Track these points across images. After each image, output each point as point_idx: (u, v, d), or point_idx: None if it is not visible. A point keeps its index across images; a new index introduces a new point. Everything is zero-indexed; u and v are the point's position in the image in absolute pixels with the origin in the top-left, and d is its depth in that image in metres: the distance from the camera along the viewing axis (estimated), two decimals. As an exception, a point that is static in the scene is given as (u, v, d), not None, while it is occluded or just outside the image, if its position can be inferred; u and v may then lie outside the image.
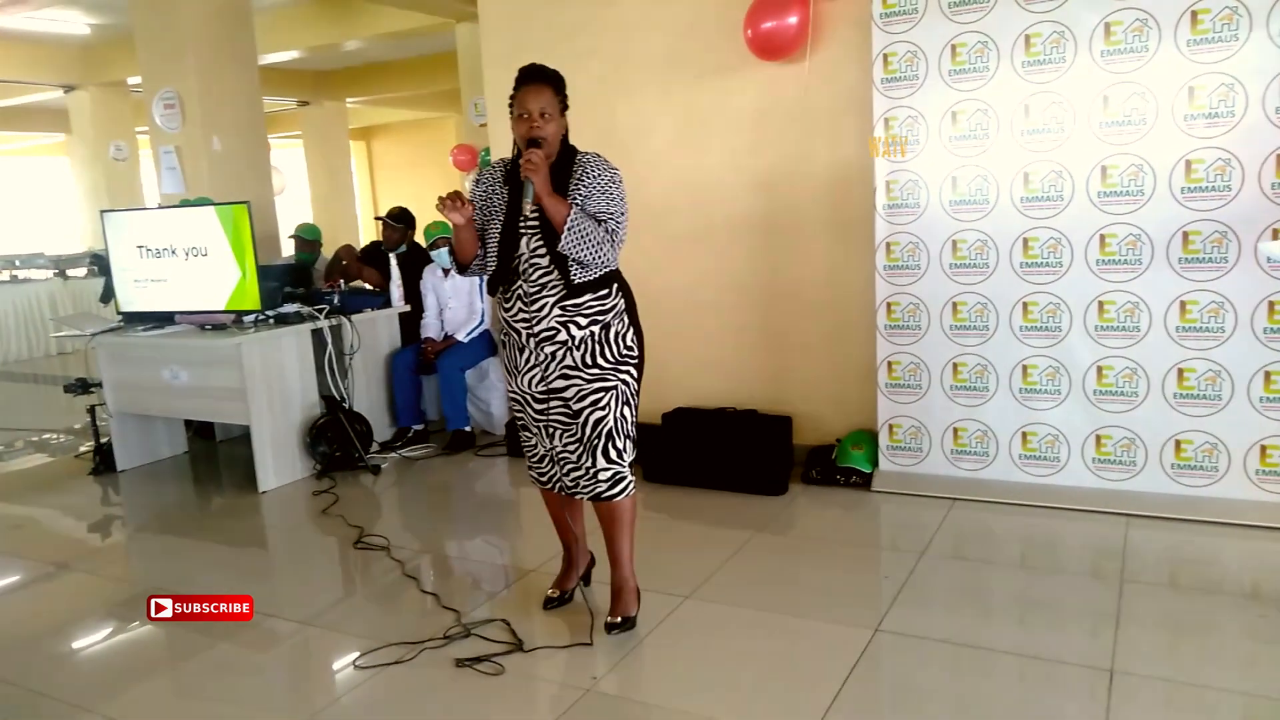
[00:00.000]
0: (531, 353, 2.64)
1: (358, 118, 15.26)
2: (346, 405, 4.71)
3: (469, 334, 5.08)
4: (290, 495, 4.38)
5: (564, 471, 2.75)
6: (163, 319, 4.72)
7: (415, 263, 5.41)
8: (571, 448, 2.69)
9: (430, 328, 5.19)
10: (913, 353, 3.79)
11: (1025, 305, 3.57)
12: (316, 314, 4.64)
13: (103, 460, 4.92)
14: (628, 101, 4.49)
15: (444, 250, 5.08)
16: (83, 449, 5.38)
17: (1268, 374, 3.26)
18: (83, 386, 5.02)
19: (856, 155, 3.89)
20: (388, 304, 5.14)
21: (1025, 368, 3.61)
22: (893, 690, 2.51)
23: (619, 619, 2.77)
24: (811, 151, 4.09)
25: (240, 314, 4.51)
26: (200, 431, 5.52)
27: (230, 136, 6.07)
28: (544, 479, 2.83)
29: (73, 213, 12.11)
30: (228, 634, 2.89)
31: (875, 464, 3.95)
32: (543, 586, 3.06)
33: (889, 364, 3.84)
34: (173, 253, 4.64)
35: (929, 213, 3.66)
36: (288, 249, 6.37)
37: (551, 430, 2.71)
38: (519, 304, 2.63)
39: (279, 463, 4.47)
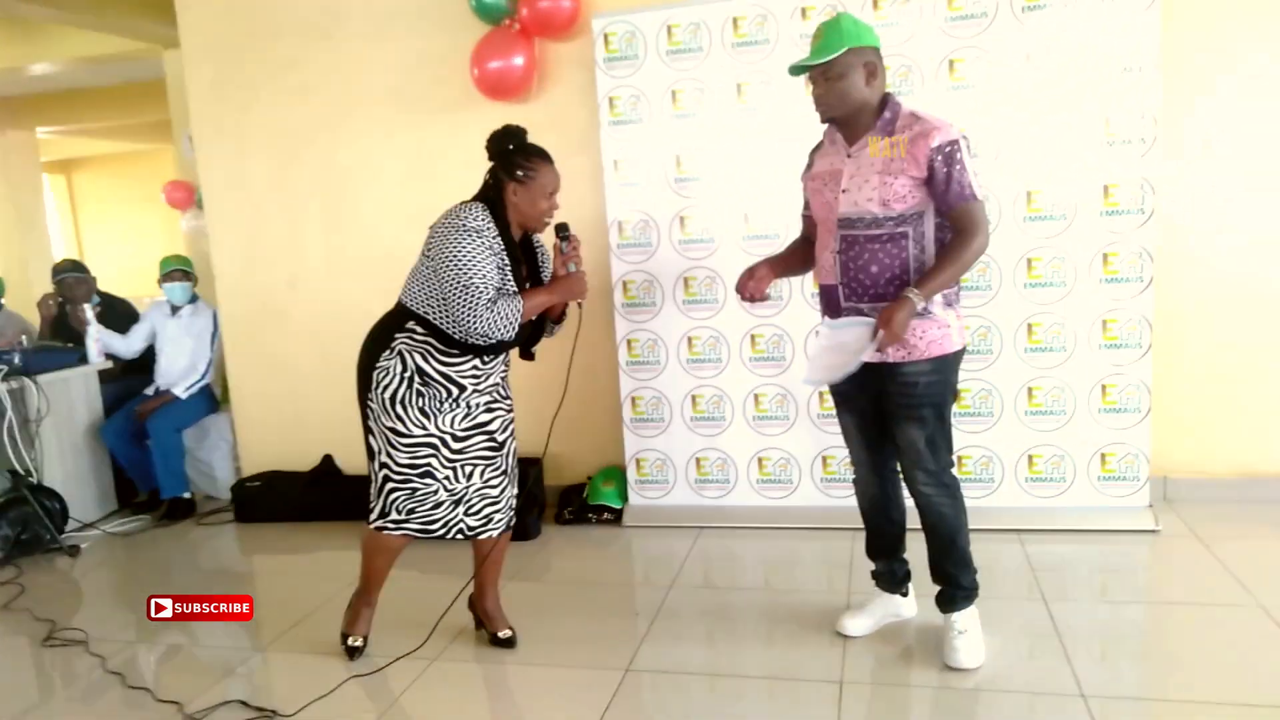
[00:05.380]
0: (459, 397, 2.65)
1: (53, 149, 13.61)
2: (34, 480, 4.10)
3: (189, 389, 4.62)
4: (-38, 592, 3.73)
5: (472, 510, 2.74)
6: None
7: (118, 313, 4.87)
8: (495, 481, 2.76)
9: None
10: (654, 387, 3.88)
11: (753, 337, 3.76)
12: (-9, 377, 4.01)
13: None
14: (350, 143, 4.31)
15: (177, 285, 4.63)
16: None
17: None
18: None
19: (589, 195, 3.94)
20: (84, 361, 4.56)
21: (757, 396, 3.80)
22: (646, 730, 2.50)
23: (512, 631, 2.89)
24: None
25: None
26: None
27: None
28: (434, 525, 2.73)
29: None
30: None
31: (625, 499, 3.99)
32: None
33: (633, 399, 3.91)
34: None
35: (661, 251, 3.78)
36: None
37: (470, 469, 2.71)
38: (475, 361, 2.64)
39: (-54, 554, 3.80)
